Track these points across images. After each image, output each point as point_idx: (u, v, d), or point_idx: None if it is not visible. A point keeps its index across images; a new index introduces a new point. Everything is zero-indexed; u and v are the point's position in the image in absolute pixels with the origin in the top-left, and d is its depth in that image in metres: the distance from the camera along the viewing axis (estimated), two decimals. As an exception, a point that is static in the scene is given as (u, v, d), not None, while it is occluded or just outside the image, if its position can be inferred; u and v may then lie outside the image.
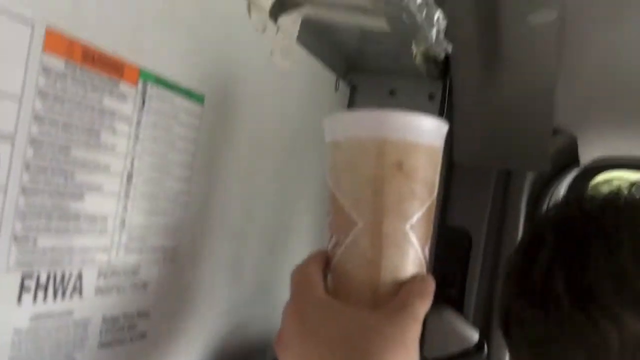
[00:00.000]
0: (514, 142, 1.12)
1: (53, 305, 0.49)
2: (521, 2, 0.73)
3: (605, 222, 0.65)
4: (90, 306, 0.53)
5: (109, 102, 0.51)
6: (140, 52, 0.54)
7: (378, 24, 0.79)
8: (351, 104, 1.10)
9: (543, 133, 1.08)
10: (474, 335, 1.22)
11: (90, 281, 0.53)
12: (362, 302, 0.53)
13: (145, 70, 0.55)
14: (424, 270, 0.55)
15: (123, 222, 0.55)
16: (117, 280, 0.56)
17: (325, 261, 0.56)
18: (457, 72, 0.97)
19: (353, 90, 1.11)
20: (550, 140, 1.12)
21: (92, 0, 0.47)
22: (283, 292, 0.54)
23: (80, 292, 0.52)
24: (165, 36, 0.57)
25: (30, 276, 0.46)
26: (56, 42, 0.44)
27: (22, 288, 0.46)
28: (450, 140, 1.11)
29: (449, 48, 0.81)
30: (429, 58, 0.90)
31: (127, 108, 0.53)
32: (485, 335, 1.24)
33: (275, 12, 0.75)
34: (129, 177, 0.55)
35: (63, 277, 0.49)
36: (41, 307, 0.48)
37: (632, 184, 0.69)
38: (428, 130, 0.54)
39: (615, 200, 0.68)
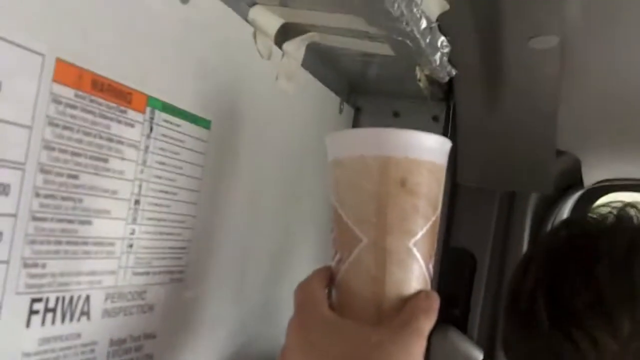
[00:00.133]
0: (518, 163, 1.12)
1: (61, 328, 0.50)
2: (523, 28, 0.74)
3: (587, 248, 0.67)
4: (97, 329, 0.54)
5: (117, 130, 0.52)
6: (147, 79, 0.55)
7: (382, 49, 0.80)
8: (355, 125, 1.11)
9: (546, 155, 1.08)
10: (479, 356, 1.22)
11: (97, 304, 0.53)
12: (366, 319, 0.53)
13: (153, 97, 0.56)
14: (428, 286, 0.56)
15: (130, 246, 0.56)
16: (123, 303, 0.57)
17: (328, 278, 0.57)
18: (461, 95, 0.98)
19: (357, 112, 1.12)
20: (553, 162, 1.13)
21: (100, 31, 0.48)
22: (288, 311, 0.55)
23: (88, 315, 0.53)
24: (172, 63, 0.58)
25: (39, 300, 0.47)
26: (66, 72, 0.45)
27: (31, 312, 0.47)
28: (454, 162, 1.12)
29: (453, 72, 0.82)
30: (432, 81, 0.91)
31: (135, 135, 0.54)
32: (489, 355, 1.24)
33: (281, 38, 0.76)
34: (137, 201, 0.56)
35: (71, 300, 0.50)
36: (49, 330, 0.49)
37: (622, 208, 0.70)
38: (431, 147, 0.55)
39: (599, 226, 0.69)
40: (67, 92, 0.46)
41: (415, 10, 0.64)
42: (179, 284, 0.65)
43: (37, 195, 0.45)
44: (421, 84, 0.91)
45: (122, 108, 0.52)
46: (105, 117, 0.50)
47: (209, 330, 0.72)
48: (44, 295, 0.47)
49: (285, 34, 0.77)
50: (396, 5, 0.60)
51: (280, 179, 0.86)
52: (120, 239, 0.55)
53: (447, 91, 1.04)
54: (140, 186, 0.56)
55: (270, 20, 0.73)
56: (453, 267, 1.25)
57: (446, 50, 0.76)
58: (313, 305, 0.54)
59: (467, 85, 0.94)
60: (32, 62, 0.43)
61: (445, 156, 0.57)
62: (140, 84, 0.54)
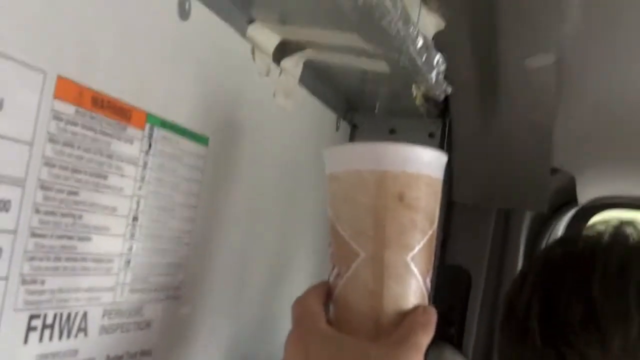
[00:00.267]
0: (513, 181, 1.13)
1: (59, 345, 0.50)
2: (519, 46, 0.75)
3: (582, 265, 0.67)
4: (94, 345, 0.54)
5: (116, 146, 0.52)
6: (147, 96, 0.55)
7: (379, 66, 0.80)
8: (352, 142, 1.12)
9: (541, 172, 1.09)
10: (474, 373, 1.22)
11: (95, 321, 0.53)
12: (364, 333, 0.53)
13: (152, 114, 0.56)
14: (426, 301, 0.56)
15: (128, 262, 0.56)
16: (121, 320, 0.57)
17: (326, 292, 0.57)
18: (457, 112, 0.99)
19: (354, 129, 1.12)
20: (548, 180, 1.14)
21: (101, 48, 0.49)
22: (285, 327, 0.54)
23: (85, 332, 0.52)
24: (171, 80, 0.58)
25: (37, 316, 0.47)
26: (67, 89, 0.46)
27: (29, 328, 0.47)
28: (449, 179, 1.12)
29: (449, 89, 0.82)
30: (428, 99, 0.92)
31: (134, 151, 0.54)
32: (485, 373, 1.24)
33: (278, 55, 0.77)
34: (135, 218, 0.56)
35: (69, 317, 0.50)
36: (47, 346, 0.49)
37: (618, 226, 0.71)
38: (428, 161, 0.55)
39: (595, 243, 0.69)
40: (68, 109, 0.46)
41: (411, 29, 0.64)
42: (176, 300, 0.65)
43: (37, 211, 0.45)
44: (417, 101, 0.92)
45: (122, 125, 0.52)
46: (105, 134, 0.50)
47: (206, 347, 0.72)
48: (42, 312, 0.47)
49: (283, 51, 0.77)
50: (392, 23, 0.60)
51: (277, 196, 0.86)
52: (118, 255, 0.55)
53: (443, 108, 1.04)
54: (138, 202, 0.56)
55: (268, 38, 0.73)
56: (449, 285, 1.25)
57: (442, 68, 0.76)
58: (311, 320, 0.54)
59: (463, 102, 0.95)
60: (34, 79, 0.43)
61: (441, 170, 0.57)
62: (139, 100, 0.54)
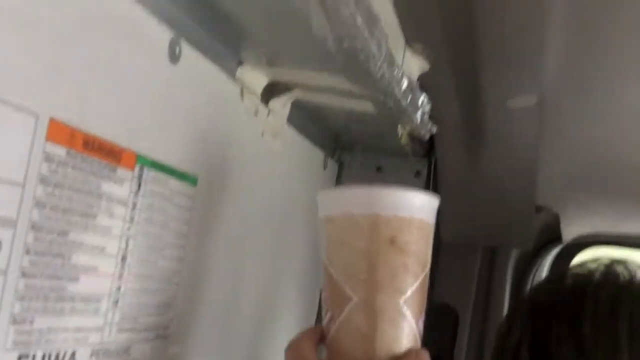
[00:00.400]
0: (499, 219, 1.14)
1: (46, 385, 0.50)
2: (502, 87, 0.77)
3: (572, 303, 0.68)
4: (82, 386, 0.54)
5: (106, 187, 0.53)
6: (137, 138, 0.56)
7: (365, 107, 0.82)
8: (339, 180, 1.13)
9: (526, 211, 1.10)
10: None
11: (83, 361, 0.54)
12: None
13: (142, 154, 0.57)
14: (419, 343, 0.56)
15: (116, 302, 0.57)
16: (109, 360, 0.57)
17: (319, 336, 0.57)
18: (442, 151, 1.00)
19: (341, 167, 1.13)
20: (533, 218, 1.15)
21: (93, 91, 0.50)
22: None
23: (73, 372, 0.53)
24: (161, 122, 0.59)
25: (26, 356, 0.47)
26: (59, 131, 0.46)
27: (18, 368, 0.47)
28: (436, 217, 1.13)
29: (434, 129, 0.84)
30: (414, 138, 0.93)
31: (124, 192, 0.55)
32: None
33: (267, 96, 0.78)
34: (124, 258, 0.57)
35: (57, 357, 0.50)
36: (35, 387, 0.49)
37: (609, 264, 0.72)
38: (420, 205, 0.56)
39: (585, 281, 0.70)
40: (60, 151, 0.47)
41: (396, 71, 0.66)
42: (165, 339, 0.65)
43: (28, 252, 0.45)
44: (403, 141, 0.93)
45: (112, 166, 0.53)
46: (96, 175, 0.51)
47: (193, 387, 0.72)
48: (31, 352, 0.48)
49: (271, 91, 0.79)
50: (378, 66, 0.62)
51: (266, 234, 0.86)
52: (106, 295, 0.55)
53: (428, 147, 1.06)
54: (127, 242, 0.57)
55: (257, 79, 0.75)
56: (436, 323, 1.25)
57: (427, 108, 0.78)
58: None
59: (448, 142, 0.96)
60: (27, 122, 0.44)
61: (433, 213, 0.58)
62: (130, 141, 0.55)
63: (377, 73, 0.63)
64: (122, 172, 0.54)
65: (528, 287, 1.30)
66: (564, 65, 0.73)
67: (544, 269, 1.34)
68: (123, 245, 0.56)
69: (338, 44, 0.57)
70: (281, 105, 0.81)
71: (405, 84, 0.69)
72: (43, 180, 0.46)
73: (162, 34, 0.58)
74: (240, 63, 0.72)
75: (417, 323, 0.55)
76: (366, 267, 0.54)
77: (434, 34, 0.67)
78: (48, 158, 0.46)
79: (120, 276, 0.57)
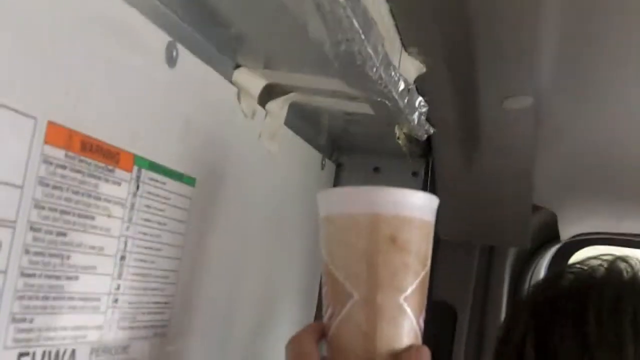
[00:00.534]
0: (496, 218, 1.14)
1: (46, 383, 0.51)
2: (498, 88, 0.77)
3: (576, 300, 0.68)
4: (81, 383, 0.55)
5: (104, 188, 0.54)
6: (135, 139, 0.57)
7: (362, 109, 0.82)
8: (337, 181, 1.13)
9: (523, 210, 1.11)
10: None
11: (82, 359, 0.54)
12: None
13: (140, 156, 0.58)
14: (419, 341, 0.56)
15: (115, 301, 0.57)
16: (108, 358, 0.58)
17: (320, 332, 0.57)
18: (439, 152, 1.01)
19: (339, 168, 1.14)
20: (530, 217, 1.15)
21: (90, 94, 0.50)
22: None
23: (72, 370, 0.53)
24: (159, 124, 0.60)
25: (26, 354, 0.48)
26: (57, 134, 0.47)
27: (17, 367, 0.48)
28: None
29: (431, 130, 0.84)
30: (411, 139, 0.94)
31: (122, 193, 0.56)
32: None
33: (264, 98, 0.79)
34: (122, 257, 0.57)
35: (57, 354, 0.51)
36: (34, 385, 0.50)
37: (612, 261, 0.72)
38: (420, 205, 0.56)
39: (589, 278, 0.71)
40: (58, 153, 0.48)
41: (393, 73, 0.67)
42: (162, 338, 0.66)
43: (27, 252, 0.46)
44: (400, 142, 0.94)
45: (110, 167, 0.54)
46: (94, 177, 0.52)
47: (192, 385, 0.73)
48: (31, 350, 0.48)
49: (268, 94, 0.79)
50: (375, 69, 0.62)
51: (263, 235, 0.87)
52: (106, 294, 0.56)
53: (426, 148, 1.06)
54: (125, 243, 0.58)
55: (253, 82, 0.75)
56: (434, 321, 1.26)
57: (424, 110, 0.79)
58: None
59: (445, 142, 0.97)
60: (25, 125, 0.44)
61: (433, 213, 0.58)
62: (127, 143, 0.56)
63: (374, 75, 0.64)
64: (120, 173, 0.55)
65: (526, 286, 1.30)
66: (559, 66, 0.73)
67: (542, 268, 1.35)
68: (122, 245, 0.57)
69: (335, 47, 0.58)
70: (278, 107, 0.82)
71: (402, 86, 0.70)
72: (41, 182, 0.47)
73: (159, 38, 0.58)
74: (237, 66, 0.73)
75: (417, 321, 0.56)
76: (367, 266, 0.54)
77: (430, 36, 0.68)
78: (46, 160, 0.47)
79: (119, 275, 0.57)
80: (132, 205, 0.58)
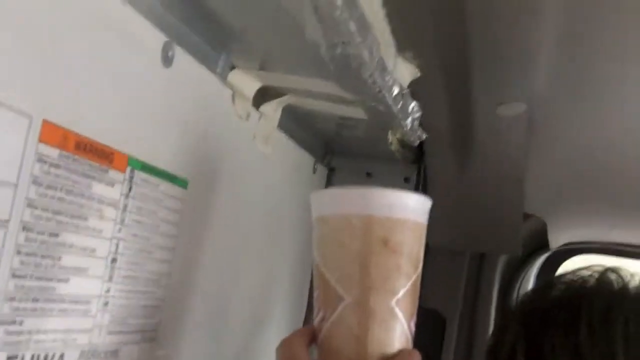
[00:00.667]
0: (486, 225, 1.14)
1: (35, 386, 0.50)
2: (491, 95, 0.77)
3: (567, 310, 0.68)
4: (70, 387, 0.54)
5: (98, 189, 0.53)
6: (129, 140, 0.56)
7: (356, 112, 0.82)
8: (329, 185, 1.13)
9: (514, 218, 1.11)
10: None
11: (71, 362, 0.54)
12: None
13: (134, 157, 0.57)
14: (410, 344, 0.56)
15: (106, 304, 0.57)
16: (97, 361, 0.57)
17: (311, 336, 0.57)
18: (431, 158, 1.01)
19: (331, 172, 1.14)
20: (521, 225, 1.15)
21: (85, 93, 0.50)
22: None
23: (62, 374, 0.53)
24: (153, 125, 0.60)
25: (15, 357, 0.47)
26: (51, 132, 0.47)
27: (6, 369, 0.47)
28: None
29: (423, 136, 0.84)
30: (404, 144, 0.94)
31: (115, 194, 0.55)
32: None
33: (258, 101, 0.78)
34: (114, 259, 0.57)
35: (46, 358, 0.50)
36: (23, 388, 0.49)
37: (603, 272, 0.72)
38: (413, 207, 0.56)
39: (579, 289, 0.71)
40: (52, 152, 0.47)
41: (387, 77, 0.66)
42: (152, 342, 0.65)
43: (19, 252, 0.45)
44: (393, 147, 0.94)
45: (104, 167, 0.53)
46: (87, 177, 0.51)
47: (181, 390, 0.72)
48: (20, 353, 0.48)
49: (262, 96, 0.79)
50: (369, 73, 0.62)
51: (255, 238, 0.87)
52: (96, 297, 0.55)
53: (418, 153, 1.06)
54: (117, 244, 0.57)
55: (248, 84, 0.75)
56: (424, 328, 1.26)
57: (417, 115, 0.78)
58: None
59: (437, 148, 0.97)
60: (20, 123, 0.44)
61: (425, 215, 0.58)
62: (121, 144, 0.55)
63: (369, 79, 0.63)
64: (113, 174, 0.55)
65: (515, 293, 1.31)
66: (553, 73, 0.73)
67: (531, 276, 1.35)
68: (113, 247, 0.56)
69: (331, 49, 0.58)
70: (273, 109, 0.81)
71: (396, 90, 0.70)
72: (35, 181, 0.46)
73: (155, 38, 0.58)
74: (232, 67, 0.73)
75: (408, 324, 0.56)
76: (359, 268, 0.54)
77: (425, 41, 0.68)
78: (40, 159, 0.46)
79: (110, 278, 0.57)
80: (125, 207, 0.57)
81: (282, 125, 0.86)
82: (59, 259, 0.50)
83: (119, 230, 0.57)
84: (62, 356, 0.52)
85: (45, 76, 0.46)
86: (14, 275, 0.46)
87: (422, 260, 0.58)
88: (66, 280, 0.51)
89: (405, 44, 0.68)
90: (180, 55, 0.61)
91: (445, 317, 1.28)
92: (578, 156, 0.98)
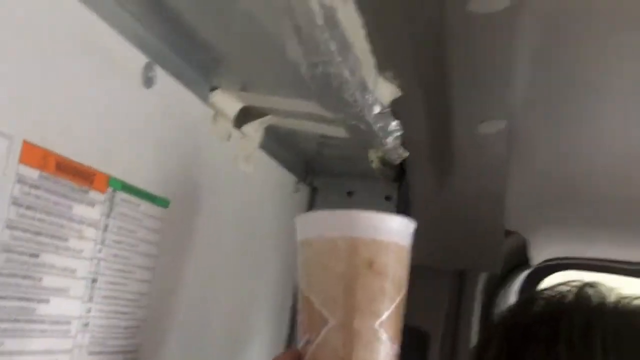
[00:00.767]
0: (468, 243, 1.15)
1: (14, 409, 0.49)
2: (472, 113, 0.78)
3: (547, 326, 0.69)
4: (50, 409, 0.53)
5: (78, 209, 0.53)
6: (109, 161, 0.56)
7: (337, 132, 0.83)
8: (311, 204, 1.13)
9: (495, 235, 1.11)
10: None
11: (51, 384, 0.53)
12: None
13: (114, 177, 0.57)
14: None
15: (86, 325, 0.56)
16: (77, 383, 0.57)
17: (296, 359, 0.57)
18: (412, 176, 1.01)
19: (313, 191, 1.14)
20: (502, 242, 1.16)
21: (66, 114, 0.50)
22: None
23: (41, 396, 0.52)
24: (134, 145, 0.60)
25: (-6, 380, 0.47)
26: (32, 153, 0.47)
27: (-15, 392, 0.46)
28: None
29: (404, 154, 0.85)
30: (385, 163, 0.94)
31: (95, 214, 0.55)
32: None
33: (240, 121, 0.78)
34: (94, 280, 0.56)
35: (25, 380, 0.50)
36: (2, 411, 0.48)
37: (581, 287, 0.73)
38: (397, 229, 0.56)
39: (558, 305, 0.71)
40: (32, 173, 0.47)
41: (368, 96, 0.67)
42: (134, 363, 0.64)
43: (-1, 274, 0.45)
44: (374, 165, 0.94)
45: (85, 188, 0.53)
46: (68, 198, 0.51)
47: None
48: (0, 375, 0.47)
49: (244, 116, 0.79)
50: (350, 92, 0.63)
51: (236, 258, 0.87)
52: (76, 317, 0.55)
53: (399, 171, 1.06)
54: (97, 265, 0.57)
55: (230, 104, 0.75)
56: (407, 346, 1.25)
57: (398, 134, 0.79)
58: None
59: (418, 166, 0.97)
60: (0, 143, 0.44)
61: (409, 238, 0.59)
62: (102, 164, 0.55)
63: (350, 98, 0.64)
64: (94, 194, 0.55)
65: (496, 310, 1.31)
66: (532, 91, 0.74)
67: (512, 292, 1.35)
68: (94, 267, 0.56)
69: (312, 69, 0.58)
70: (254, 130, 0.81)
71: (377, 109, 0.70)
72: (15, 202, 0.46)
73: (136, 59, 0.58)
74: (213, 88, 0.73)
75: (392, 346, 0.56)
76: (343, 290, 0.54)
77: (405, 61, 0.69)
78: (21, 180, 0.46)
79: (91, 298, 0.56)
80: (105, 227, 0.57)
81: (264, 145, 0.86)
82: (40, 279, 0.50)
83: (100, 250, 0.57)
84: (42, 378, 0.52)
85: (25, 97, 0.46)
86: (-6, 297, 0.45)
87: (406, 283, 0.58)
88: (47, 301, 0.51)
89: (385, 64, 0.69)
90: (162, 77, 0.62)
91: (428, 334, 1.28)
92: (558, 173, 0.99)
